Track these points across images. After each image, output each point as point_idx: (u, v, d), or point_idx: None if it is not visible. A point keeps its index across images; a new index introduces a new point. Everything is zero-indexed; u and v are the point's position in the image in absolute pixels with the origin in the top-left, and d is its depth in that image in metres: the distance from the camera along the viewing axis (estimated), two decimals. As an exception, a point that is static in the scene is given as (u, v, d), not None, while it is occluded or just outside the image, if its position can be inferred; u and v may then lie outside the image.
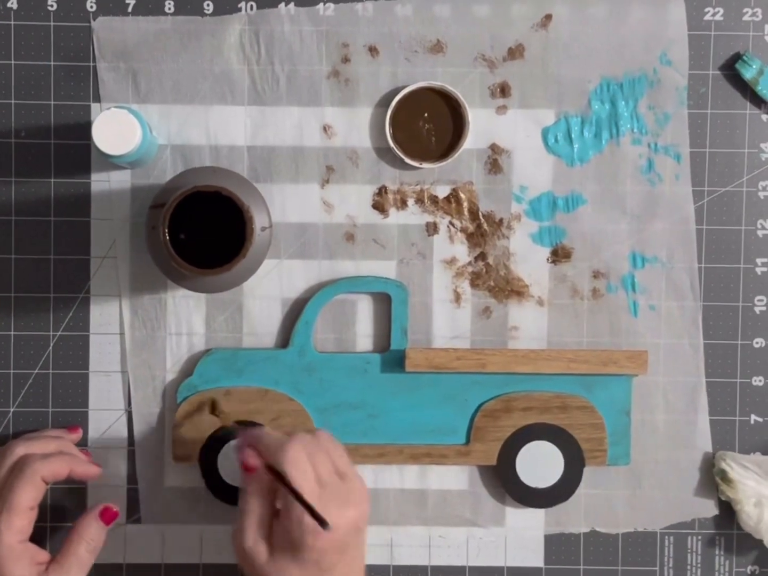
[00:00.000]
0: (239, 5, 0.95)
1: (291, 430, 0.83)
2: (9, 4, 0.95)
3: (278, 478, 0.78)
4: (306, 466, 0.79)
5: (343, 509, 0.79)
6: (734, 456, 0.95)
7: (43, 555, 0.86)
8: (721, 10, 0.96)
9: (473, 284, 0.96)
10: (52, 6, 0.95)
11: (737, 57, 0.96)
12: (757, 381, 0.97)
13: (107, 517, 0.88)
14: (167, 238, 0.80)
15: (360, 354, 0.95)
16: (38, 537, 0.87)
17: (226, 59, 0.95)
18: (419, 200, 0.96)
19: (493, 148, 0.96)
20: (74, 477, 0.88)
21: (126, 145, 0.84)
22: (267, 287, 0.95)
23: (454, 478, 0.97)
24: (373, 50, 0.95)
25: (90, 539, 0.86)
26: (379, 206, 0.96)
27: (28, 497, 0.84)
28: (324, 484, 0.79)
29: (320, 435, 0.82)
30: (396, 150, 0.94)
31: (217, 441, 0.94)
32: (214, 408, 0.94)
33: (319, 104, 0.95)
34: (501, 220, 0.96)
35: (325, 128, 0.95)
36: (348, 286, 0.95)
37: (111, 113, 0.84)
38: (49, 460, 0.86)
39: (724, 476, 0.95)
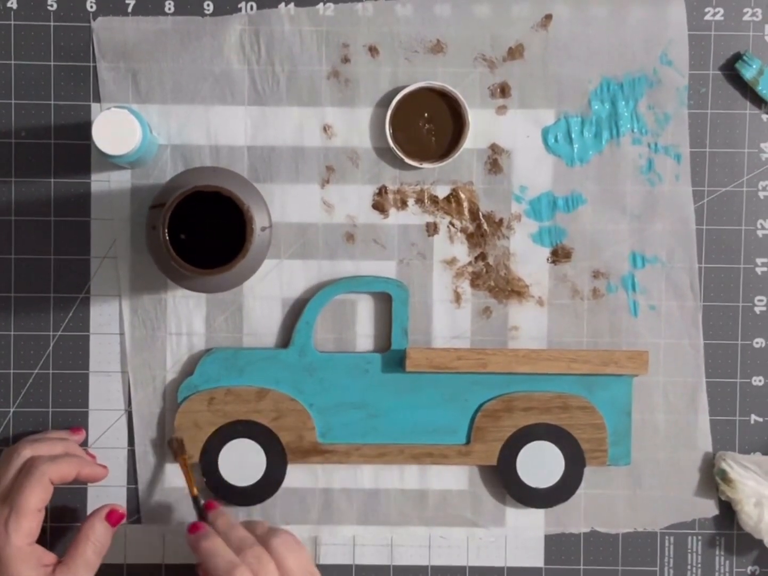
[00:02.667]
0: (239, 5, 0.95)
1: (243, 539, 0.84)
2: (9, 4, 0.95)
3: None
4: None
5: None
6: (734, 456, 0.95)
7: (50, 557, 0.86)
8: (722, 10, 0.96)
9: (473, 284, 0.96)
10: (52, 6, 0.95)
11: (737, 57, 0.96)
12: (757, 381, 0.97)
13: (114, 518, 0.88)
14: (167, 238, 0.80)
15: (360, 354, 0.95)
16: (39, 538, 0.87)
17: (226, 59, 0.95)
18: (419, 200, 0.96)
19: (493, 148, 0.96)
20: (81, 479, 0.88)
21: (126, 145, 0.84)
22: (267, 287, 0.95)
23: (454, 478, 0.97)
24: (373, 50, 0.95)
25: (96, 541, 0.87)
26: (379, 206, 0.96)
27: (36, 499, 0.84)
28: None
29: (275, 546, 0.83)
30: (396, 150, 0.94)
31: (217, 440, 0.94)
32: (177, 450, 0.93)
33: (320, 104, 0.95)
34: (501, 220, 0.96)
35: (325, 128, 0.95)
36: (348, 285, 0.95)
37: (111, 113, 0.84)
38: (57, 462, 0.86)
39: (725, 476, 0.95)
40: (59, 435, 0.93)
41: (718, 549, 0.98)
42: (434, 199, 0.96)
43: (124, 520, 0.89)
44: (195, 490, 0.91)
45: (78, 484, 0.94)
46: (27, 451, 0.88)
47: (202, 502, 0.90)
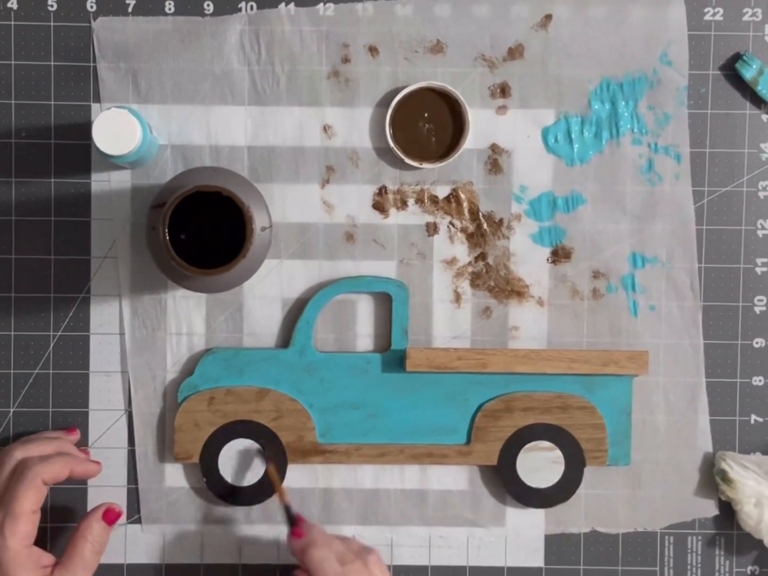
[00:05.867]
0: (239, 5, 0.95)
1: (344, 553, 0.87)
2: (9, 4, 0.95)
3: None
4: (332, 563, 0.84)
5: None
6: (734, 456, 0.95)
7: (48, 558, 0.86)
8: (721, 10, 0.96)
9: (473, 284, 0.96)
10: (52, 6, 0.95)
11: (737, 57, 0.96)
12: (757, 381, 0.97)
13: (110, 517, 0.88)
14: (167, 238, 0.80)
15: (360, 354, 0.95)
16: (39, 538, 0.87)
17: (226, 59, 0.95)
18: (419, 200, 0.96)
19: (493, 148, 0.96)
20: (75, 477, 0.88)
21: (126, 145, 0.84)
22: (267, 287, 0.95)
23: (454, 478, 0.97)
24: (373, 50, 0.95)
25: (94, 540, 0.86)
26: (379, 206, 0.96)
27: (30, 501, 0.84)
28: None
29: (371, 564, 0.86)
30: (396, 150, 0.94)
31: (218, 440, 0.94)
32: (269, 457, 0.94)
33: (320, 104, 0.95)
34: (501, 220, 0.96)
35: (326, 128, 0.95)
36: (348, 285, 0.95)
37: (111, 113, 0.84)
38: (49, 462, 0.86)
39: (724, 476, 0.95)
40: (52, 434, 0.93)
41: (718, 549, 0.98)
42: (434, 199, 0.96)
43: (122, 519, 0.89)
44: (286, 499, 0.92)
45: (75, 484, 0.94)
46: (18, 453, 0.87)
47: (294, 512, 0.91)
